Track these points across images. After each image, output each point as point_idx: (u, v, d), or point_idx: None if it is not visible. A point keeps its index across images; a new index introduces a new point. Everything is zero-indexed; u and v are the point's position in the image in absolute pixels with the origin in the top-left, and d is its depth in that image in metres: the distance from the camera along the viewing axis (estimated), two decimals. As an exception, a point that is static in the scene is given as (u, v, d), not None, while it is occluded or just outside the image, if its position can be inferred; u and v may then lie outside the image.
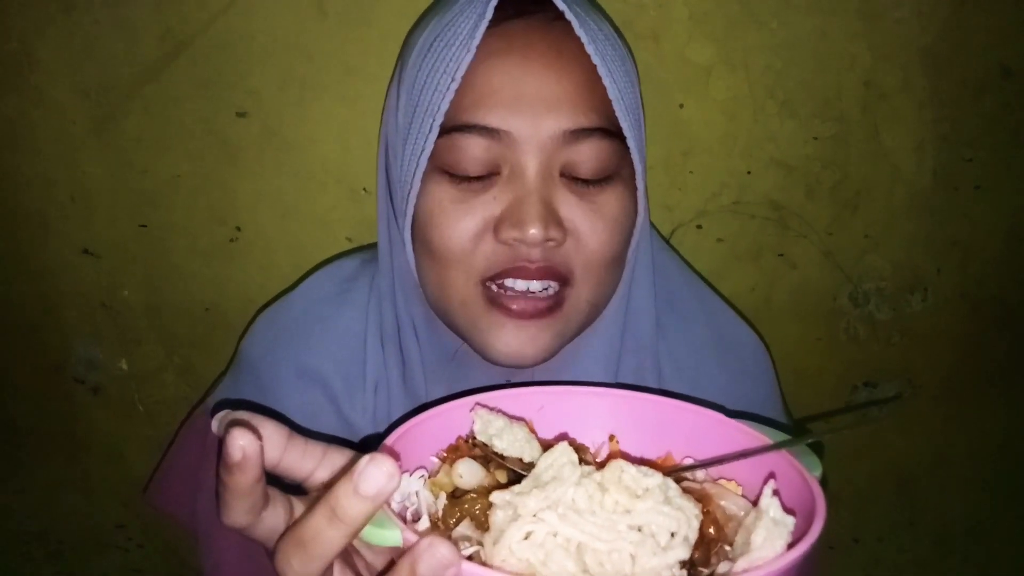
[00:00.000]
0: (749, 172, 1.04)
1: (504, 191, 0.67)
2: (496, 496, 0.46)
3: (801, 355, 1.13)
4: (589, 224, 0.68)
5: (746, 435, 0.54)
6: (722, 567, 0.46)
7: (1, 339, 1.08)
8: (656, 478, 0.46)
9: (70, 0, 0.92)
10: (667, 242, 0.93)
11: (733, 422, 0.55)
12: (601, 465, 0.54)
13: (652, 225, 0.92)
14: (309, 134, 0.99)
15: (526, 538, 0.43)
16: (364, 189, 1.01)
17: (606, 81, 0.67)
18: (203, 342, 1.06)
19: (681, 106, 1.01)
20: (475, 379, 0.76)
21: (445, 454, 0.54)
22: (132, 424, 1.11)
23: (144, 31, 0.94)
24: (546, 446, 0.53)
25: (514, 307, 0.67)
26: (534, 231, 0.64)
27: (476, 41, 0.65)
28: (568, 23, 0.67)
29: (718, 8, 0.97)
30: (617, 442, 0.59)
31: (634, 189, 0.72)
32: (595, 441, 0.59)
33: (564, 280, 0.68)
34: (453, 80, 0.66)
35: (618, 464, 0.47)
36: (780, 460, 0.51)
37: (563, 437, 0.58)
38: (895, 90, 1.02)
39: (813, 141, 1.03)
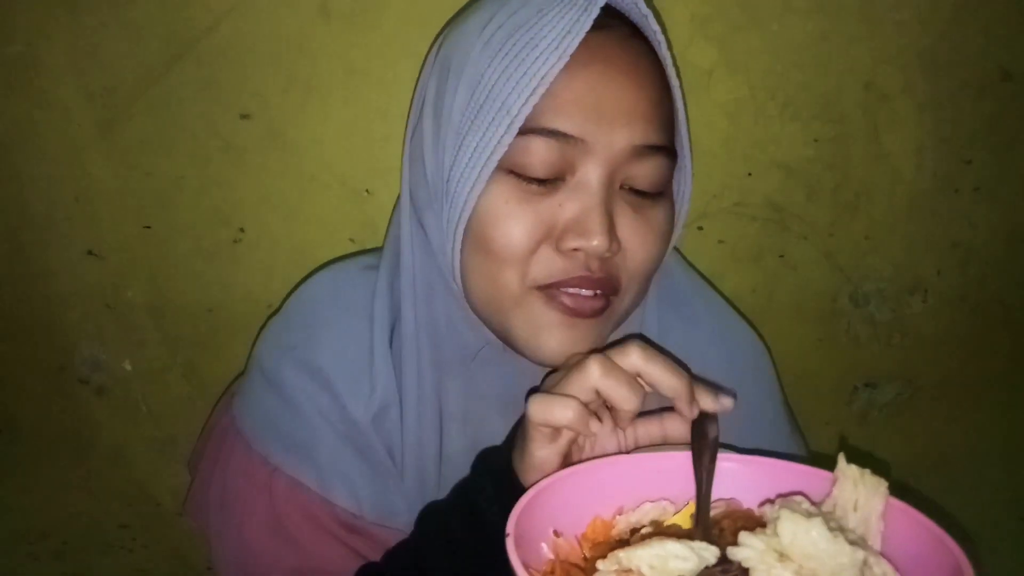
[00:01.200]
0: (750, 174, 1.05)
1: (569, 198, 0.68)
2: None
3: (801, 356, 1.13)
4: (640, 237, 0.70)
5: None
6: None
7: (5, 340, 1.08)
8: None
9: (75, 2, 0.93)
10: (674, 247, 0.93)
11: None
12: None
13: None
14: (313, 136, 0.99)
15: None
16: (367, 191, 1.01)
17: (678, 104, 0.71)
18: (207, 343, 1.07)
19: (682, 108, 1.01)
20: (490, 380, 0.77)
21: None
22: (136, 425, 1.11)
23: (149, 33, 0.94)
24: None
25: (570, 304, 0.68)
26: (599, 242, 0.66)
27: (571, 49, 0.65)
28: (642, 42, 0.70)
29: (719, 11, 0.97)
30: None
31: (672, 205, 0.75)
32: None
33: (614, 290, 0.70)
34: (540, 84, 0.65)
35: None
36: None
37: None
38: (896, 92, 1.02)
39: (814, 143, 1.04)
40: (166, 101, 0.97)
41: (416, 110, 0.78)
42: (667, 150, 0.70)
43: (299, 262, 1.02)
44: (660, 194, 0.71)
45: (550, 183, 0.68)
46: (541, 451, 0.62)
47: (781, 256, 1.09)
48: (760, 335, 0.90)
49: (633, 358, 0.61)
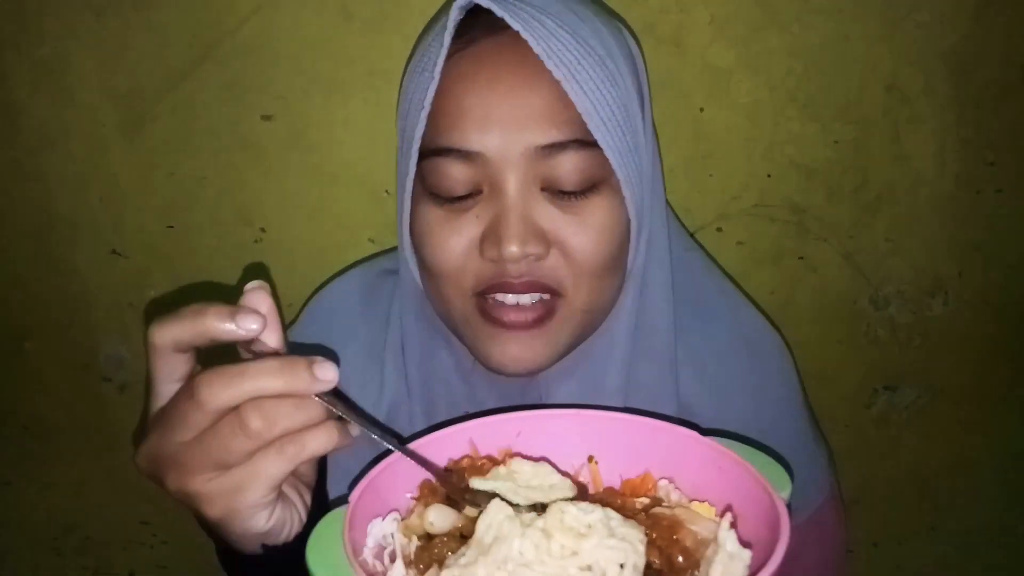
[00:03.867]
0: (770, 175, 1.04)
1: (485, 209, 0.68)
2: (445, 572, 0.46)
3: (821, 358, 1.13)
4: (574, 235, 0.68)
5: (720, 453, 0.55)
6: None
7: (31, 337, 1.10)
8: (597, 512, 0.48)
9: (102, 5, 0.94)
10: (695, 240, 0.92)
11: (707, 440, 0.56)
12: (582, 487, 0.57)
13: (681, 224, 0.92)
14: (333, 136, 1.00)
15: None
16: (387, 191, 1.02)
17: (573, 95, 0.66)
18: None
19: (702, 110, 1.01)
20: (488, 389, 0.78)
21: (418, 495, 0.55)
22: (158, 422, 1.13)
23: (173, 35, 0.96)
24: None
25: (506, 319, 0.69)
26: (512, 248, 0.66)
27: (439, 68, 0.67)
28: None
29: (739, 12, 0.97)
30: (596, 463, 0.59)
31: (622, 195, 0.71)
32: (574, 464, 0.60)
33: (553, 291, 0.69)
34: (423, 108, 0.68)
35: (558, 506, 0.48)
36: (749, 479, 0.52)
37: (543, 461, 0.59)
38: (917, 93, 1.02)
39: (834, 144, 1.03)
40: (190, 102, 0.98)
41: None
42: (580, 142, 0.67)
43: (320, 262, 1.03)
44: (592, 187, 0.69)
45: (468, 198, 0.69)
46: (260, 523, 0.54)
47: (801, 258, 1.09)
48: (783, 336, 0.90)
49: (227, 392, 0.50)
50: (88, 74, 0.97)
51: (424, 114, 0.68)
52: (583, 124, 0.67)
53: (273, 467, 0.51)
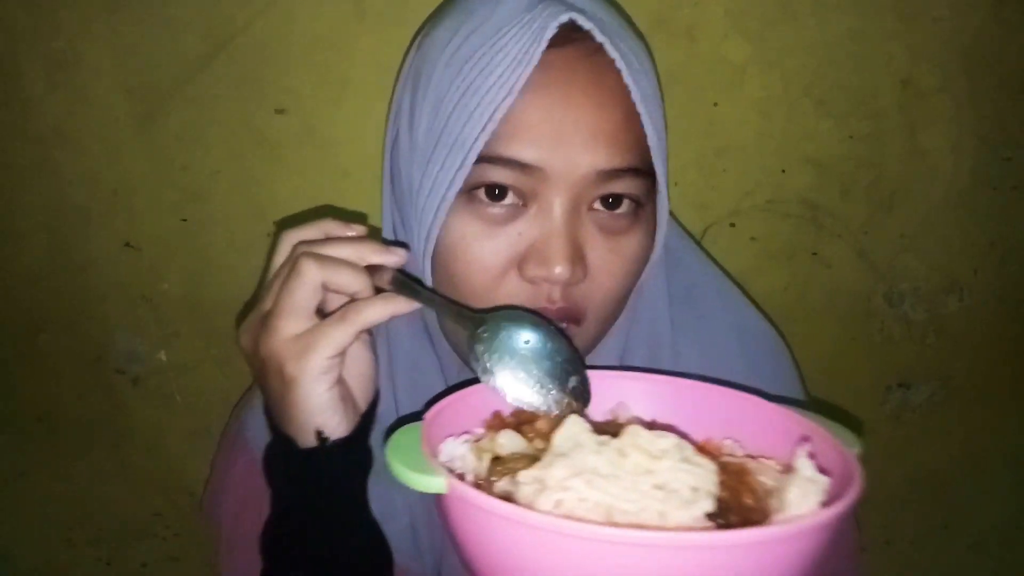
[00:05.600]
0: (783, 171, 1.04)
1: (531, 226, 0.65)
2: (522, 475, 0.47)
3: (835, 356, 1.12)
4: (609, 262, 0.66)
5: (785, 417, 0.55)
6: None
7: (44, 330, 1.10)
8: (671, 439, 0.48)
9: (115, 0, 0.95)
10: (689, 234, 0.90)
11: (771, 404, 0.56)
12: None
13: (672, 216, 0.90)
14: (346, 131, 1.00)
15: (556, 507, 0.45)
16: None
17: (647, 128, 0.65)
18: (240, 335, 1.08)
19: (715, 104, 1.01)
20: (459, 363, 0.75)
21: (488, 425, 0.57)
22: (170, 415, 1.13)
23: (186, 30, 0.96)
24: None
25: None
26: (560, 269, 0.63)
27: (520, 84, 0.62)
28: (606, 56, 0.65)
29: (754, 6, 0.97)
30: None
31: (654, 226, 0.71)
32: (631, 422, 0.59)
33: (578, 321, 0.67)
34: (491, 121, 0.62)
35: (633, 429, 0.48)
36: (817, 438, 0.52)
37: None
38: (933, 89, 1.01)
39: (849, 140, 1.03)
40: (203, 96, 0.98)
41: (393, 120, 0.76)
42: (637, 171, 0.66)
43: (332, 256, 1.03)
44: (634, 216, 0.67)
45: (511, 212, 0.65)
46: (321, 391, 0.60)
47: (814, 254, 1.08)
48: (781, 333, 0.88)
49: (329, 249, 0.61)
50: (102, 68, 0.97)
51: (491, 127, 0.62)
52: (641, 152, 0.66)
53: (336, 330, 0.58)
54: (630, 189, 0.66)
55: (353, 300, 0.61)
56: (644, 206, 0.68)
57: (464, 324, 0.60)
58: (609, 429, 0.52)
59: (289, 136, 1.00)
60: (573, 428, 0.50)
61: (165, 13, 0.95)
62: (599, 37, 0.64)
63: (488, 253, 0.65)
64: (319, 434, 0.61)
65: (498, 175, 0.64)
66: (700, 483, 0.46)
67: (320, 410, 0.60)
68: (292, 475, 0.64)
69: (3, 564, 1.21)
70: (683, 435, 0.54)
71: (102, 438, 1.15)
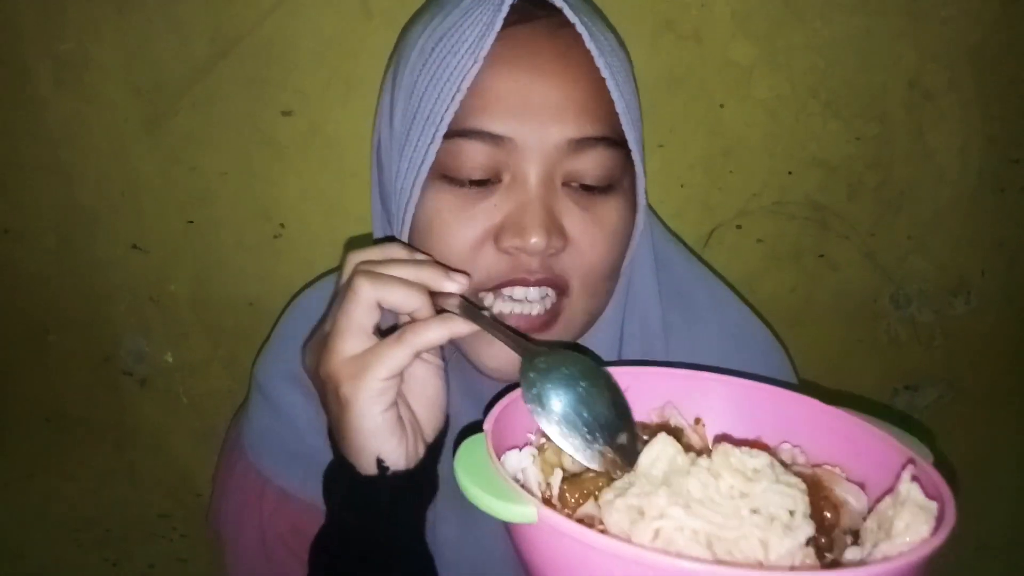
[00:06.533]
0: (790, 172, 1.04)
1: (505, 199, 0.66)
2: (619, 503, 0.44)
3: (841, 357, 1.12)
4: (589, 234, 0.67)
5: (843, 421, 0.53)
6: (850, 553, 0.45)
7: (53, 331, 1.11)
8: (763, 457, 0.46)
9: (124, 1, 0.95)
10: (678, 238, 0.90)
11: (828, 408, 0.54)
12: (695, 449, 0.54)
13: (660, 220, 0.89)
14: (353, 132, 1.00)
15: (655, 537, 0.42)
16: (406, 187, 1.02)
17: (614, 94, 0.67)
18: (247, 336, 1.08)
19: (722, 106, 1.00)
20: (464, 385, 0.75)
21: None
22: (177, 416, 1.13)
23: (195, 31, 0.96)
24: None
25: (510, 323, 0.66)
26: (536, 239, 0.63)
27: (484, 51, 0.64)
28: (574, 30, 0.66)
29: (761, 7, 0.97)
30: (704, 425, 0.58)
31: (634, 200, 0.71)
32: (681, 424, 0.58)
33: (561, 289, 0.68)
34: (459, 91, 0.64)
35: (724, 448, 0.46)
36: (886, 447, 0.50)
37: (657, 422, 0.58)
38: (941, 90, 1.01)
39: (856, 141, 1.03)
40: (210, 98, 0.99)
41: (377, 122, 0.77)
42: (610, 141, 0.66)
43: (338, 257, 1.02)
44: (610, 187, 0.68)
45: (485, 186, 0.66)
46: (376, 413, 0.58)
47: (821, 256, 1.08)
48: (776, 333, 0.86)
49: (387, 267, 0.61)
50: (110, 69, 0.98)
51: (459, 98, 0.64)
52: (612, 123, 0.67)
53: (392, 350, 0.57)
54: (603, 159, 0.66)
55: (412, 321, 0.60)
56: (621, 178, 0.69)
57: (521, 351, 0.57)
58: (659, 430, 0.51)
59: (296, 137, 1.00)
60: (664, 448, 0.47)
61: (173, 15, 0.95)
62: (570, 15, 0.66)
63: (464, 226, 0.66)
64: (380, 463, 0.60)
65: (468, 149, 0.65)
66: (796, 505, 0.44)
67: (375, 433, 0.59)
68: (350, 500, 0.63)
69: (12, 564, 1.21)
70: (739, 441, 0.53)
71: (109, 439, 1.15)
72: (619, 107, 0.67)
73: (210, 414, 1.12)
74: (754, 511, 0.43)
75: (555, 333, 0.69)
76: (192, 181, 1.03)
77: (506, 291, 0.67)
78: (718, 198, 1.05)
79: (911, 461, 0.49)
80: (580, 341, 0.74)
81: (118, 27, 0.96)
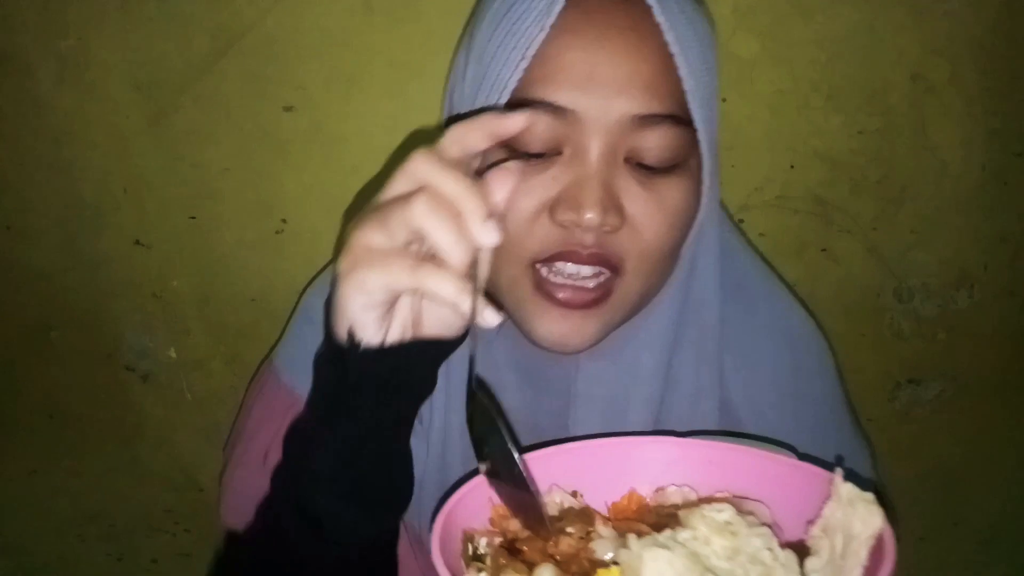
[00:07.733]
0: (793, 166, 1.04)
1: (564, 172, 0.64)
2: None
3: (844, 351, 1.10)
4: (649, 214, 0.65)
5: (708, 449, 0.55)
6: (810, 563, 0.45)
7: (56, 327, 1.11)
8: (727, 510, 0.47)
9: (125, -3, 0.95)
10: (735, 223, 0.89)
11: (687, 440, 0.56)
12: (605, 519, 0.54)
13: (723, 206, 0.90)
14: (355, 128, 1.00)
15: None
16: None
17: (682, 71, 0.65)
18: (250, 332, 1.08)
19: (724, 100, 1.00)
20: (507, 350, 0.74)
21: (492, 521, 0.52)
22: (180, 412, 1.14)
23: (196, 27, 0.96)
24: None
25: (560, 296, 0.65)
26: (591, 215, 0.62)
27: (551, 19, 0.63)
28: (645, 3, 0.64)
29: (762, 2, 0.96)
30: (580, 496, 0.56)
31: (699, 180, 0.70)
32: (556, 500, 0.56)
33: (615, 268, 0.66)
34: (523, 58, 0.63)
35: (698, 511, 0.47)
36: (750, 459, 0.53)
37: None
38: (944, 84, 1.00)
39: (859, 135, 1.02)
40: (212, 94, 0.99)
41: (450, 80, 0.76)
42: (675, 119, 0.65)
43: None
44: (674, 167, 0.66)
45: (545, 158, 0.65)
46: (358, 304, 0.54)
47: (824, 250, 1.08)
48: (824, 331, 0.86)
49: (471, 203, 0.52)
50: (112, 66, 0.98)
51: (524, 65, 0.63)
52: (680, 101, 0.65)
53: (400, 271, 0.52)
54: (668, 138, 0.65)
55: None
56: (687, 158, 0.67)
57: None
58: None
59: (298, 133, 1.00)
60: (661, 567, 0.44)
61: (174, 11, 0.95)
62: None
63: (521, 197, 0.64)
64: (351, 336, 0.56)
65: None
66: (770, 541, 0.45)
67: (354, 313, 0.55)
68: (320, 379, 0.61)
69: (15, 560, 1.22)
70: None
71: (112, 435, 1.16)
72: (687, 85, 0.65)
73: (213, 410, 1.12)
74: (751, 561, 0.44)
75: (606, 311, 0.68)
76: (194, 177, 1.03)
77: (558, 265, 0.66)
78: (720, 192, 1.04)
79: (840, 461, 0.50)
80: (634, 323, 0.73)
81: (120, 24, 0.96)
